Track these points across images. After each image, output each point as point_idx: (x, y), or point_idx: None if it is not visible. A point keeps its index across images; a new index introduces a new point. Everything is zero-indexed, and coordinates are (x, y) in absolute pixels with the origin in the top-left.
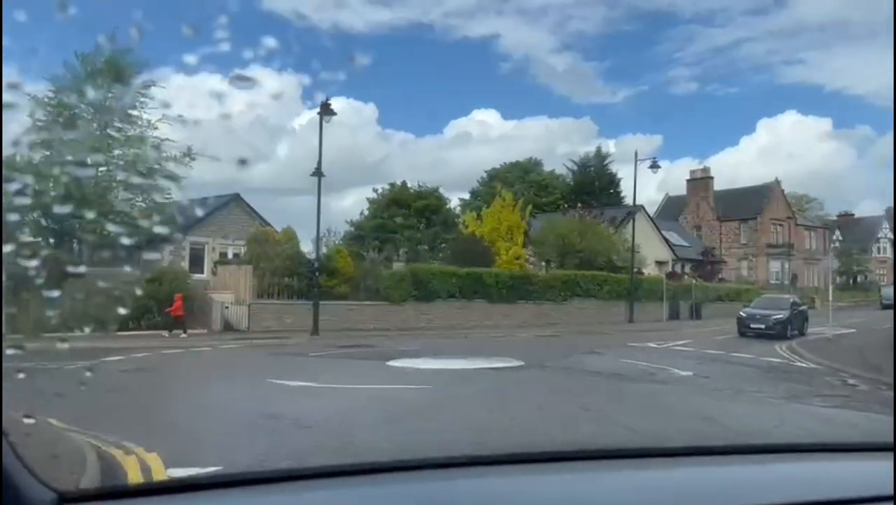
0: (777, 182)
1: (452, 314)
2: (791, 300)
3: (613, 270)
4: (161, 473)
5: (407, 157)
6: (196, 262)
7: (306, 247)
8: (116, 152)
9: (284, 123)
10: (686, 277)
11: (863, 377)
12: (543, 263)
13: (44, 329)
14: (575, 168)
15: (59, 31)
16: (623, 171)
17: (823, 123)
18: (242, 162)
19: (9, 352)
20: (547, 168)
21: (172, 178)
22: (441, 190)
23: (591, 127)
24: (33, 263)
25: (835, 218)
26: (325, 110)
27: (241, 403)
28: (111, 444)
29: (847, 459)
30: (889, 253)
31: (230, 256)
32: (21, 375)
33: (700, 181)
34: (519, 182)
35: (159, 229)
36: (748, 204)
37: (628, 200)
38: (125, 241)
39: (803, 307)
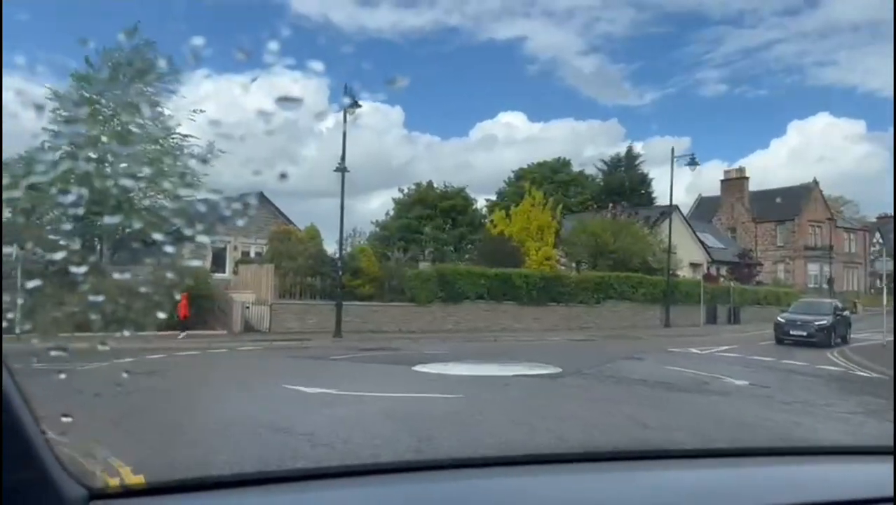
0: (815, 183)
1: (480, 316)
2: (833, 305)
3: (648, 271)
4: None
5: (432, 160)
6: (217, 261)
7: (330, 247)
8: (139, 148)
9: (311, 126)
10: (723, 279)
11: None
12: (574, 264)
13: (79, 330)
14: (605, 168)
15: (82, 25)
16: (652, 173)
17: (857, 125)
18: (283, 176)
19: (52, 354)
20: (574, 170)
21: (193, 180)
22: (467, 190)
23: (618, 129)
24: (82, 269)
25: (874, 220)
26: (351, 103)
27: (250, 415)
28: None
29: (851, 462)
30: None
31: (252, 254)
32: (62, 376)
33: (735, 182)
34: (547, 182)
35: (201, 238)
36: (785, 205)
37: (659, 201)
38: (168, 249)
39: (846, 312)
